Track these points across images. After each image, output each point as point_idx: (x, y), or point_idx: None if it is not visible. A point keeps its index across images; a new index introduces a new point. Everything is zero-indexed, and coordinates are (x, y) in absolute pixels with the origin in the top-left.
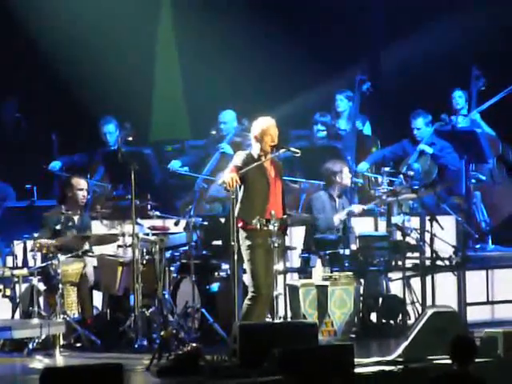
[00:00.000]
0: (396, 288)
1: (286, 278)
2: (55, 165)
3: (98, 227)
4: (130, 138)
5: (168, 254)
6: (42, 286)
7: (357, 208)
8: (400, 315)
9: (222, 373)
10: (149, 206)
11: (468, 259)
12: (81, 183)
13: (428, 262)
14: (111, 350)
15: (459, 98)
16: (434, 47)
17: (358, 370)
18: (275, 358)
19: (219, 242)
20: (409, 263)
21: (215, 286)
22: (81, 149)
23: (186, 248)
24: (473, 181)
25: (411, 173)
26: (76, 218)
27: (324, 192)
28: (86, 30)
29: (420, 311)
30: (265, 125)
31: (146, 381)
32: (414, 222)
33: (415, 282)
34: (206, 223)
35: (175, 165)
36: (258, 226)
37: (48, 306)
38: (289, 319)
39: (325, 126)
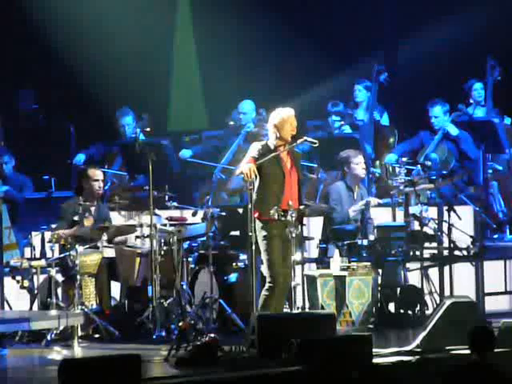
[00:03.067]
0: (414, 278)
1: (303, 268)
2: (80, 158)
3: (115, 218)
4: (148, 129)
5: (186, 245)
6: (60, 277)
7: (373, 200)
8: (418, 305)
9: (240, 363)
10: (166, 197)
11: (486, 249)
12: (96, 174)
13: (446, 252)
14: (129, 341)
15: (481, 89)
16: (449, 37)
17: (376, 360)
18: (293, 348)
19: (237, 233)
20: (427, 253)
21: (233, 277)
22: (98, 140)
23: (204, 239)
24: (489, 171)
25: (429, 163)
26: (93, 208)
27: (341, 182)
28: (104, 21)
29: (438, 301)
30: (286, 114)
31: (164, 372)
32: (432, 212)
33: (433, 272)
34: (223, 214)
35: (185, 153)
36: (276, 217)
37: (66, 297)
38: (307, 310)
39: (339, 116)
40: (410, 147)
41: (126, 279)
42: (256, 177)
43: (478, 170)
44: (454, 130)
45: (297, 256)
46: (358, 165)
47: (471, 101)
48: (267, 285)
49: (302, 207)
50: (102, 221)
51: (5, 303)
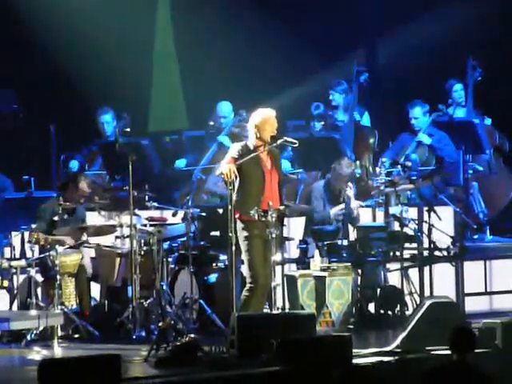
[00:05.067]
0: (394, 279)
1: (284, 268)
2: (73, 165)
3: (96, 218)
4: (128, 129)
5: (166, 245)
6: (39, 278)
7: (354, 203)
8: (398, 306)
9: (220, 364)
10: (147, 197)
11: (466, 250)
12: (85, 190)
13: (426, 253)
14: (109, 341)
15: (461, 90)
16: (429, 38)
17: (356, 360)
18: (273, 348)
19: (217, 233)
20: (407, 254)
21: (213, 277)
22: (79, 140)
23: (184, 239)
24: (470, 171)
25: (409, 163)
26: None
27: (323, 182)
28: (85, 21)
29: (418, 302)
30: (266, 115)
31: (143, 372)
32: (412, 212)
33: (413, 273)
34: (203, 214)
35: (180, 164)
36: (256, 217)
37: (46, 298)
38: (287, 310)
39: (320, 119)
40: (394, 152)
41: (106, 279)
42: (236, 177)
43: (459, 170)
44: (426, 139)
45: (277, 256)
46: (347, 184)
47: (450, 101)
48: (248, 285)
49: (282, 207)
50: (80, 221)
51: None
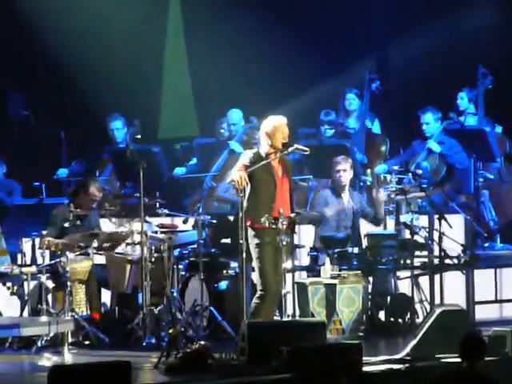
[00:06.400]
0: (404, 286)
1: (294, 276)
2: (62, 173)
3: (106, 225)
4: (139, 136)
5: (176, 252)
6: (50, 284)
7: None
8: (408, 314)
9: (230, 371)
10: (157, 204)
11: (476, 258)
12: (96, 195)
13: (436, 261)
14: (119, 348)
15: (461, 99)
16: (441, 45)
17: (366, 368)
18: (283, 356)
19: (228, 240)
20: (417, 262)
21: (224, 284)
22: (90, 147)
23: (195, 246)
24: (481, 179)
25: (420, 171)
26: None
27: (329, 189)
28: (96, 27)
29: (428, 310)
30: (277, 122)
31: (154, 379)
32: (423, 220)
33: (423, 281)
34: (214, 221)
35: (179, 171)
36: (267, 225)
37: (56, 304)
38: (297, 317)
39: (331, 125)
40: (403, 159)
41: (117, 286)
42: (247, 184)
43: (469, 178)
44: (436, 147)
45: (288, 264)
46: (339, 172)
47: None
48: (259, 293)
49: (293, 215)
50: (92, 228)
51: None
